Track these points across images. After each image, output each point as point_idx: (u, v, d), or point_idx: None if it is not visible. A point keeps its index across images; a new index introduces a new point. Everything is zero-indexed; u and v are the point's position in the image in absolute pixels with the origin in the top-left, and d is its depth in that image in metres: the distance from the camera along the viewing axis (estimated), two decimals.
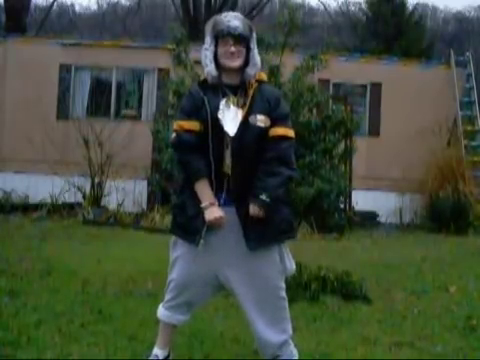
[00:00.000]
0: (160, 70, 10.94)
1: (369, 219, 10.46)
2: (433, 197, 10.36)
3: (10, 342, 3.29)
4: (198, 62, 5.21)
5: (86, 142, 9.93)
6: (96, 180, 9.96)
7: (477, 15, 36.51)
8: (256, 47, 2.83)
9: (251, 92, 2.76)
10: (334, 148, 4.91)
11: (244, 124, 2.71)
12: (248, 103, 2.73)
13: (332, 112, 4.94)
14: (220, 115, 2.70)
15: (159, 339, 2.99)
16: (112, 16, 33.21)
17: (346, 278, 4.91)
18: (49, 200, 10.05)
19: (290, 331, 2.84)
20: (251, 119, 2.71)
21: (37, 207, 9.79)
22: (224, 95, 2.75)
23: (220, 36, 2.75)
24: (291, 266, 2.90)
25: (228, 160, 2.72)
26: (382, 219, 10.88)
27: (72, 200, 10.05)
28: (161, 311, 2.95)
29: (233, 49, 2.73)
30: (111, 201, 9.93)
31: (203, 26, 15.13)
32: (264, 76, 2.88)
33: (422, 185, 10.59)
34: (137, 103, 11.85)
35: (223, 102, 2.73)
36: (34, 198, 10.28)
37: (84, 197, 9.94)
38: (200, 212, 2.70)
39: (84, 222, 9.13)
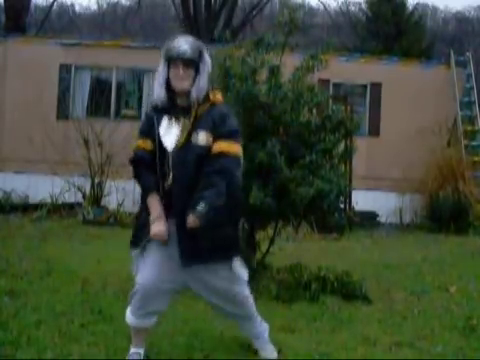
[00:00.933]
0: None
1: (369, 219, 10.46)
2: (433, 197, 10.36)
3: (10, 342, 3.30)
4: None
5: (86, 142, 9.92)
6: (96, 180, 9.95)
7: (477, 15, 36.49)
8: (206, 70, 2.96)
9: (194, 112, 2.91)
10: (334, 148, 4.89)
11: (186, 142, 2.87)
12: (190, 121, 2.89)
13: (332, 112, 4.92)
14: (161, 131, 2.90)
15: (135, 340, 3.08)
16: (112, 16, 33.21)
17: (346, 278, 4.91)
18: (49, 200, 10.04)
19: (255, 313, 3.16)
20: (193, 137, 2.87)
21: (37, 207, 9.78)
22: (175, 118, 2.92)
23: (171, 60, 2.92)
24: (244, 274, 3.05)
25: (171, 176, 2.89)
26: (382, 219, 10.88)
27: (72, 200, 10.05)
28: (130, 318, 3.05)
29: (181, 72, 2.90)
30: (111, 201, 9.93)
31: (203, 26, 15.19)
32: (219, 98, 3.02)
33: (422, 185, 10.59)
34: (137, 103, 11.84)
35: (166, 120, 2.92)
36: (34, 198, 10.27)
37: (84, 197, 9.93)
38: (147, 223, 2.90)
39: (84, 222, 9.13)
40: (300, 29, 5.30)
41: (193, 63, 2.92)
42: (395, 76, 11.57)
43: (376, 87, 11.77)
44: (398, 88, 11.45)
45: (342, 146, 5.21)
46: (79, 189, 9.94)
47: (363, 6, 22.89)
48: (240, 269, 3.00)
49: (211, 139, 2.86)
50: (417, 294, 5.03)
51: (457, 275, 5.93)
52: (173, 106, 2.95)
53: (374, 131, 11.68)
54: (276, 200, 4.49)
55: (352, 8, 27.30)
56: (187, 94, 2.93)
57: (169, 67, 2.94)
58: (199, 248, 2.84)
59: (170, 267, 2.90)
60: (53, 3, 24.55)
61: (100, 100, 11.20)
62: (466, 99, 11.85)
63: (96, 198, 9.89)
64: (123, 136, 9.90)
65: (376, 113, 11.74)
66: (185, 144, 2.87)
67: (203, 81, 2.94)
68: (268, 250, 5.07)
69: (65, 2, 41.95)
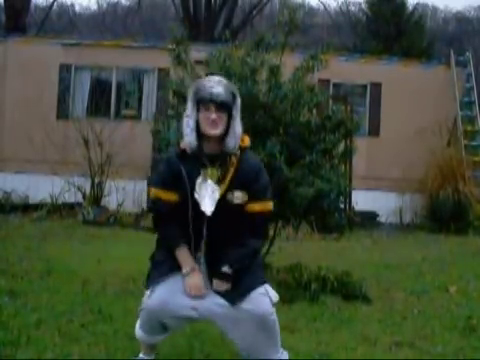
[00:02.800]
0: (160, 70, 10.93)
1: (369, 219, 10.47)
2: (433, 197, 10.36)
3: (10, 342, 3.29)
4: (198, 62, 5.22)
5: (86, 142, 9.93)
6: (96, 180, 9.96)
7: (477, 15, 36.48)
8: (239, 115, 2.76)
9: (231, 168, 2.71)
10: (334, 148, 4.89)
11: (221, 201, 2.69)
12: (227, 179, 2.70)
13: (332, 112, 4.92)
14: (196, 194, 2.69)
15: (144, 348, 2.99)
16: (112, 16, 33.19)
17: (346, 278, 4.91)
18: (49, 200, 10.04)
19: (278, 345, 2.86)
20: (229, 196, 2.70)
21: (37, 207, 9.79)
22: (202, 166, 2.71)
23: (202, 102, 2.68)
24: (275, 295, 2.91)
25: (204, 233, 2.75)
26: (382, 219, 10.88)
27: (72, 200, 10.05)
28: (139, 333, 2.93)
29: (214, 116, 2.65)
30: (111, 201, 9.93)
31: (203, 26, 15.20)
32: (247, 141, 2.81)
33: (422, 185, 10.59)
34: (137, 103, 11.85)
35: (200, 179, 2.70)
36: (34, 198, 10.27)
37: (84, 197, 9.93)
38: (162, 263, 2.78)
39: (84, 222, 9.13)
40: (300, 29, 5.30)
41: (227, 107, 2.69)
42: (395, 76, 11.58)
43: (376, 87, 11.78)
44: (398, 88, 11.45)
45: (342, 146, 5.21)
46: (79, 189, 9.95)
47: (363, 6, 22.88)
48: (272, 291, 2.89)
49: (246, 197, 2.71)
50: (417, 294, 5.03)
51: (457, 275, 5.93)
52: (200, 155, 2.71)
53: (374, 131, 11.69)
54: (276, 200, 4.48)
55: (352, 8, 27.35)
56: (218, 140, 2.70)
57: (198, 110, 2.70)
58: (237, 291, 2.72)
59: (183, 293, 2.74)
60: (53, 3, 24.58)
61: (100, 100, 11.21)
62: (466, 99, 11.86)
63: (96, 198, 9.90)
64: (123, 136, 9.92)
65: (376, 113, 11.74)
66: (221, 203, 2.69)
67: (238, 128, 2.73)
68: (268, 250, 5.06)
69: (65, 2, 41.98)
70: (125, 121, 10.93)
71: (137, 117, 11.56)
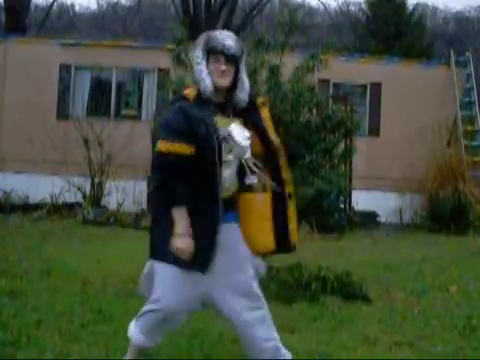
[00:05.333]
0: (160, 70, 10.93)
1: (369, 219, 10.46)
2: (433, 197, 10.36)
3: (10, 342, 3.30)
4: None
5: (86, 142, 9.93)
6: (96, 180, 9.96)
7: (477, 15, 36.50)
8: (245, 70, 2.81)
9: (265, 115, 2.82)
10: (334, 148, 4.89)
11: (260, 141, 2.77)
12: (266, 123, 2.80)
13: (332, 112, 4.92)
14: (228, 132, 2.67)
15: (132, 353, 2.91)
16: (112, 16, 33.22)
17: (346, 278, 4.91)
18: (49, 200, 10.05)
19: (276, 335, 2.81)
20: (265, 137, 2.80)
21: (37, 207, 9.79)
22: (215, 113, 2.70)
23: (212, 52, 2.70)
24: (262, 265, 2.91)
25: (227, 182, 2.69)
26: (382, 219, 10.88)
27: (72, 200, 10.05)
28: (139, 337, 2.83)
29: (224, 68, 2.68)
30: (111, 201, 9.93)
31: (203, 26, 15.17)
32: (264, 101, 2.90)
33: (422, 185, 10.59)
34: (137, 103, 11.85)
35: (218, 116, 2.69)
36: (34, 198, 10.27)
37: (84, 197, 9.94)
38: (210, 247, 2.63)
39: (84, 222, 9.13)
40: (300, 29, 5.30)
41: (235, 60, 2.71)
42: (395, 76, 11.58)
43: (376, 87, 11.77)
44: (398, 88, 11.45)
45: (342, 146, 5.21)
46: (79, 189, 9.95)
47: (363, 6, 22.88)
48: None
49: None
50: (417, 294, 5.03)
51: (457, 275, 5.93)
52: (212, 102, 2.71)
53: (374, 131, 11.68)
54: None
55: (352, 8, 27.38)
56: (223, 91, 2.74)
57: (207, 60, 2.71)
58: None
59: (192, 278, 2.66)
60: (53, 3, 24.61)
61: (100, 100, 11.21)
62: (466, 99, 11.86)
63: (96, 198, 9.90)
64: (123, 136, 9.92)
65: (376, 113, 11.74)
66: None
67: (246, 80, 2.79)
68: None
69: (65, 2, 41.92)
70: (125, 121, 10.92)
71: (137, 117, 11.56)
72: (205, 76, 2.68)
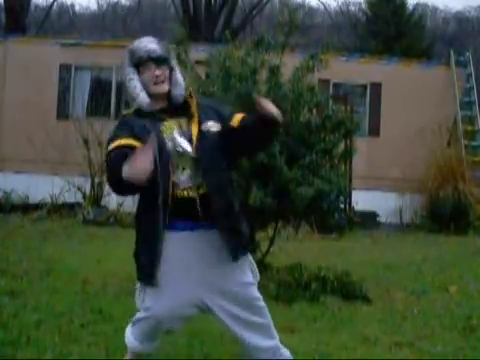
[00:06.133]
0: None
1: (369, 219, 10.47)
2: (433, 197, 10.37)
3: (10, 342, 3.30)
4: (198, 62, 5.23)
5: (86, 142, 9.93)
6: (96, 180, 9.96)
7: (477, 15, 36.48)
8: (177, 66, 2.74)
9: (194, 111, 2.65)
10: (334, 148, 4.89)
11: (200, 136, 2.59)
12: (195, 117, 2.63)
13: (332, 112, 4.92)
14: (170, 141, 2.55)
15: (130, 355, 2.91)
16: (112, 16, 33.20)
17: (346, 278, 4.91)
18: (49, 200, 10.05)
19: (276, 335, 2.79)
20: (203, 129, 2.61)
21: (37, 207, 9.79)
22: (160, 121, 2.61)
23: (140, 63, 2.63)
24: (257, 274, 2.82)
25: (184, 183, 2.57)
26: (382, 219, 10.88)
27: (72, 200, 10.05)
28: (133, 343, 2.82)
29: (158, 72, 2.61)
30: (111, 201, 9.92)
31: (203, 26, 15.17)
32: (192, 91, 2.78)
33: (422, 185, 10.59)
34: None
35: (175, 132, 2.58)
36: (34, 198, 10.28)
37: (84, 197, 9.94)
38: (152, 260, 2.58)
39: (84, 222, 9.13)
40: (300, 29, 5.30)
41: (165, 61, 2.65)
42: (395, 76, 11.58)
43: (376, 87, 11.78)
44: (398, 88, 11.45)
45: (342, 146, 5.21)
46: (79, 189, 9.95)
47: (363, 6, 22.90)
48: (255, 268, 2.80)
49: (219, 124, 2.62)
50: (417, 294, 5.03)
51: (457, 275, 5.93)
52: (155, 111, 2.64)
53: (374, 131, 11.69)
54: (276, 200, 4.49)
55: (352, 8, 27.36)
56: (164, 96, 2.66)
57: (139, 73, 2.65)
58: (239, 241, 2.64)
59: (186, 284, 2.61)
60: (53, 3, 24.62)
61: (100, 100, 11.21)
62: (466, 99, 11.86)
63: (96, 198, 9.89)
64: None
65: (376, 113, 11.75)
66: (200, 137, 2.59)
67: (180, 77, 2.71)
68: (268, 250, 5.07)
69: (65, 2, 41.94)
70: None
71: None
72: (139, 91, 2.64)
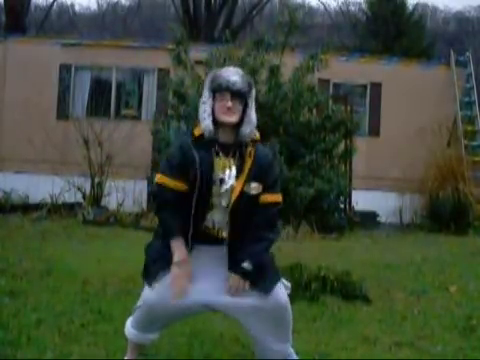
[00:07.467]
0: (160, 70, 10.93)
1: (369, 219, 10.47)
2: (433, 197, 10.37)
3: (10, 342, 3.29)
4: (198, 62, 5.23)
5: (86, 142, 9.93)
6: (96, 180, 9.96)
7: (477, 15, 36.49)
8: (254, 105, 2.77)
9: (249, 159, 2.71)
10: (334, 148, 4.90)
11: (240, 192, 2.68)
12: (246, 171, 2.70)
13: (332, 112, 4.92)
14: (215, 175, 2.67)
15: (130, 349, 2.98)
16: (112, 16, 33.20)
17: (346, 278, 4.91)
18: (49, 200, 10.04)
19: (291, 337, 2.87)
20: (246, 187, 2.69)
21: (37, 207, 9.78)
22: (216, 154, 2.70)
23: (218, 90, 2.69)
24: (289, 286, 2.98)
25: (211, 222, 2.72)
26: (382, 219, 10.88)
27: (72, 200, 10.04)
28: (130, 331, 2.94)
29: (230, 104, 2.66)
30: (111, 201, 9.93)
31: (203, 26, 15.20)
32: (257, 135, 2.81)
33: (422, 185, 10.59)
34: (137, 103, 11.86)
35: (217, 161, 2.69)
36: (34, 198, 10.27)
37: (84, 197, 9.93)
38: (160, 257, 2.74)
39: (84, 222, 9.13)
40: (300, 29, 5.30)
41: (242, 96, 2.69)
42: (395, 76, 11.59)
43: (376, 87, 11.78)
44: (398, 88, 11.46)
45: (342, 146, 5.22)
46: (79, 189, 9.94)
47: (363, 6, 22.89)
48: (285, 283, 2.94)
49: (261, 187, 2.71)
50: (417, 294, 5.03)
51: (457, 275, 5.93)
52: (215, 142, 2.72)
53: (374, 131, 11.69)
54: None
55: (352, 8, 27.37)
56: (232, 129, 2.72)
57: (214, 98, 2.70)
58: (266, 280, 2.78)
59: (197, 286, 2.72)
60: (53, 3, 24.63)
61: (100, 100, 11.21)
62: (466, 99, 11.86)
63: (96, 198, 9.90)
64: (123, 136, 9.93)
65: (376, 113, 11.75)
66: (239, 194, 2.68)
67: (254, 117, 2.75)
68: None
69: (65, 2, 41.98)
70: (125, 121, 10.93)
71: (137, 117, 11.56)
72: (207, 116, 2.70)
